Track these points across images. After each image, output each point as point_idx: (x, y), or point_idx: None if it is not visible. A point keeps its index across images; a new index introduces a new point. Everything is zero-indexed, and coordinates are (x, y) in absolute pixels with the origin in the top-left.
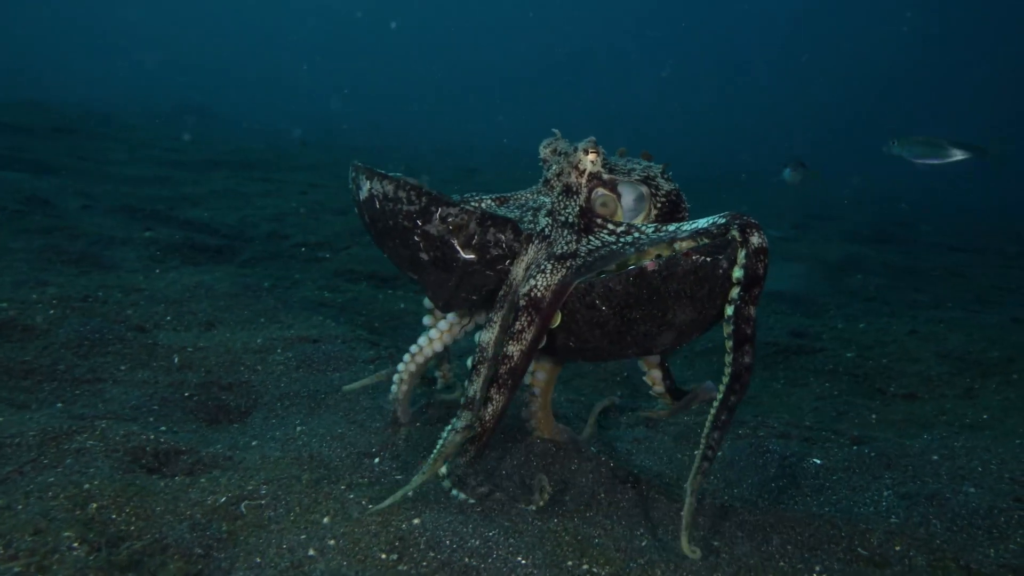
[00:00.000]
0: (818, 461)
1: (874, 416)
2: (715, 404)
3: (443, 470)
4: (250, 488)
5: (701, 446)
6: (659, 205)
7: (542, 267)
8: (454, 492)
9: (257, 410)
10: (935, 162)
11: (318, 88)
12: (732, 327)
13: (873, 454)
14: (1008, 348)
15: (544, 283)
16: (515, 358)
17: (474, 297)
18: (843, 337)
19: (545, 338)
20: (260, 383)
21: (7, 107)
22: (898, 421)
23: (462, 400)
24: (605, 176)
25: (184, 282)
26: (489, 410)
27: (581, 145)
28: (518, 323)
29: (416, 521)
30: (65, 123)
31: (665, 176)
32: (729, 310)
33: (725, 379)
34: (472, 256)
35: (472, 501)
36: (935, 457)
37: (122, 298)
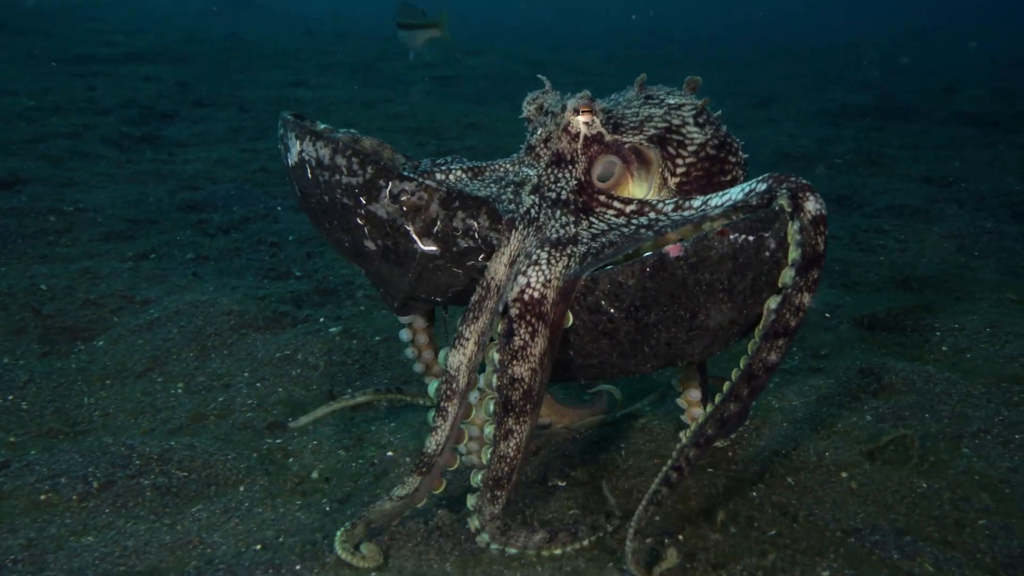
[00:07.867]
0: None
1: None
2: (704, 412)
3: (474, 523)
4: None
5: (667, 465)
6: (684, 168)
7: (535, 258)
8: (494, 547)
9: None
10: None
11: None
12: (774, 315)
13: None
14: None
15: (541, 278)
16: (526, 380)
17: (438, 299)
18: None
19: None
20: None
21: None
22: None
23: (414, 462)
24: (608, 138)
25: None
26: (512, 444)
27: (571, 103)
28: (517, 338)
29: None
30: None
31: (700, 120)
32: (776, 300)
33: (732, 378)
34: (434, 248)
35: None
36: None
37: None
